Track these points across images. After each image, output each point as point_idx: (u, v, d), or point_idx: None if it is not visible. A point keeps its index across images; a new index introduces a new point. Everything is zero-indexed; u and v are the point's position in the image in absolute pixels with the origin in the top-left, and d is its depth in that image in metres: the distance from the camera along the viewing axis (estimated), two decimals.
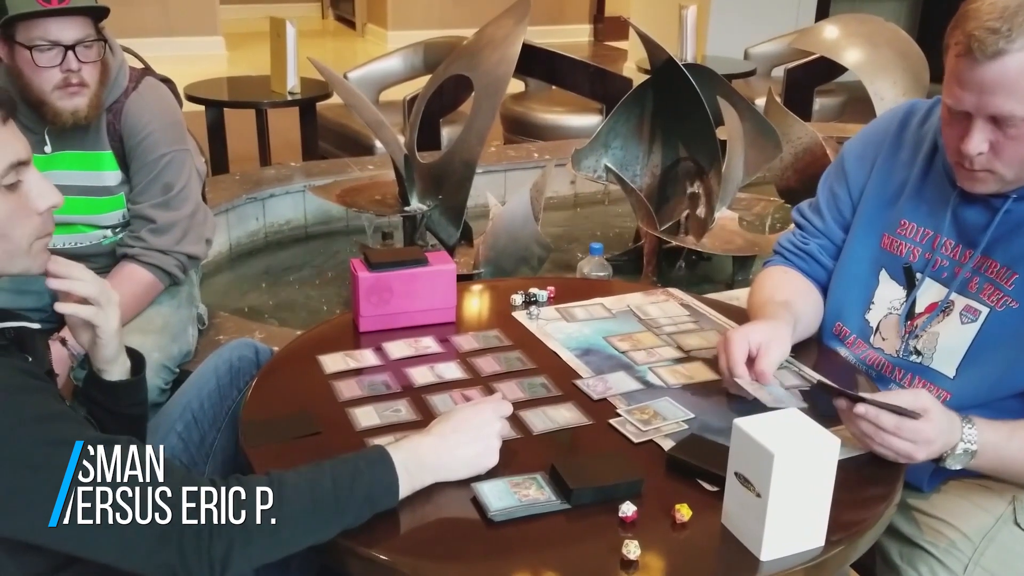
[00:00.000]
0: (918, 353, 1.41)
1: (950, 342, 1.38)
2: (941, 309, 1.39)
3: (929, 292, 1.42)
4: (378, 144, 3.84)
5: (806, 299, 1.53)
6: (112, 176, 1.95)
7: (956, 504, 1.36)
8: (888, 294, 1.46)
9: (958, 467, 1.24)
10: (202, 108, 3.92)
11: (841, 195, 1.56)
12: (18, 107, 1.11)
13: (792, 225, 1.66)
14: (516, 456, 1.18)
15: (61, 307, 1.21)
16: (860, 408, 1.18)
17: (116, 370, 1.27)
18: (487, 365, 1.43)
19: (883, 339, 1.46)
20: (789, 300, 1.49)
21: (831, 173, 1.60)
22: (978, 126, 1.25)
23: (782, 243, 1.63)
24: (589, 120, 4.37)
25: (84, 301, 1.20)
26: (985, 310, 1.35)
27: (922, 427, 1.18)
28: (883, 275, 1.48)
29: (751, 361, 1.33)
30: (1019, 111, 1.21)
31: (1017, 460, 1.26)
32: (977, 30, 1.20)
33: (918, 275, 1.43)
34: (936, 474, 1.36)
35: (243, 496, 1.01)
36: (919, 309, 1.42)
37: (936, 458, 1.23)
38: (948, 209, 1.39)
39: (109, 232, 1.99)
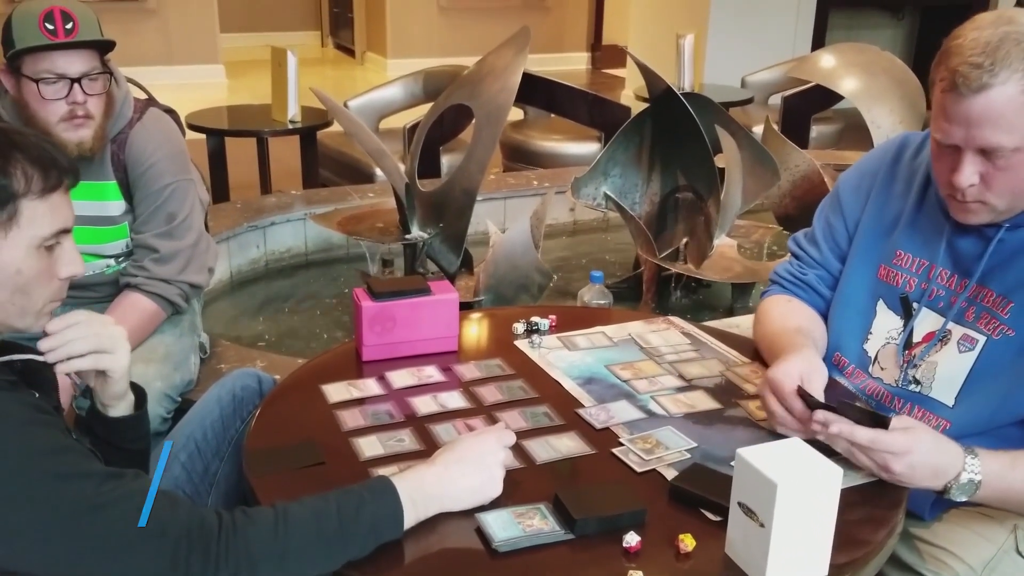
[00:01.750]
0: (917, 383, 1.42)
1: (948, 371, 1.39)
2: (939, 338, 1.40)
3: (926, 322, 1.43)
4: (378, 172, 3.86)
5: (817, 326, 1.55)
6: (116, 206, 1.96)
7: (958, 533, 1.36)
8: (886, 324, 1.48)
9: (963, 498, 1.24)
10: (203, 136, 3.94)
11: (837, 226, 1.58)
12: None
13: (789, 255, 1.68)
14: (519, 486, 1.19)
15: (63, 367, 1.18)
16: (819, 415, 1.21)
17: (121, 406, 1.27)
18: (490, 394, 1.44)
19: (882, 368, 1.47)
20: (803, 327, 1.51)
21: (827, 204, 1.62)
22: (967, 159, 1.27)
23: (780, 272, 1.65)
24: (588, 148, 4.40)
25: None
26: (982, 339, 1.36)
27: (898, 439, 1.19)
28: (880, 305, 1.49)
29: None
30: (1007, 142, 1.23)
31: (1020, 490, 1.26)
32: (961, 66, 1.22)
33: (915, 305, 1.44)
34: (937, 503, 1.37)
35: (248, 528, 1.01)
36: (916, 339, 1.43)
37: (940, 490, 1.23)
38: (943, 239, 1.41)
39: (112, 261, 2.00)
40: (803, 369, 1.33)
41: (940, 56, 1.27)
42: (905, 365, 1.43)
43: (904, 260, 1.47)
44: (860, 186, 1.56)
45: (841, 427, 1.20)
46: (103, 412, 1.27)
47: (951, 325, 1.40)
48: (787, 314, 1.56)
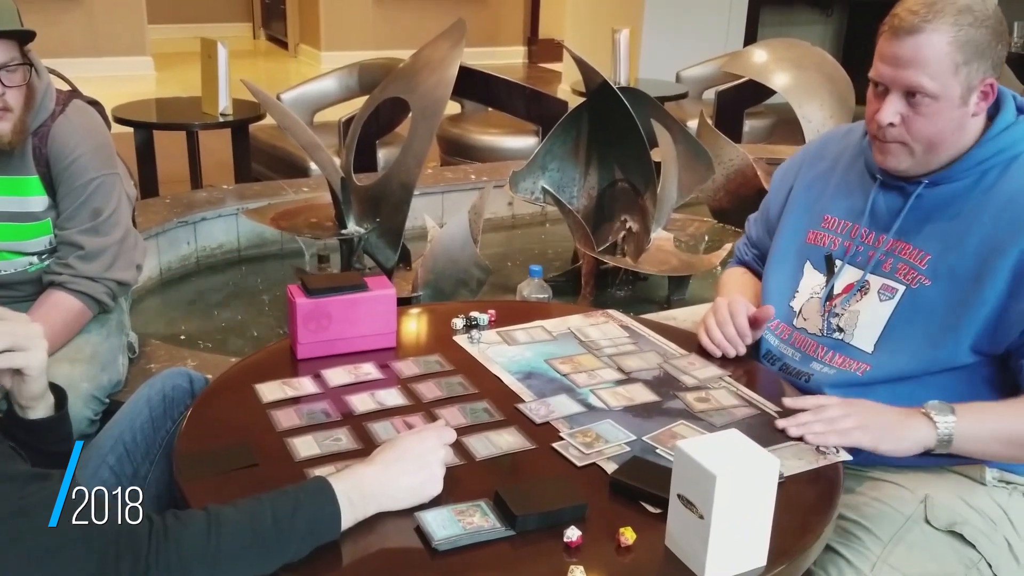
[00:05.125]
0: (840, 330, 1.52)
1: (869, 319, 1.48)
2: (858, 288, 1.50)
3: (847, 275, 1.53)
4: (313, 166, 3.81)
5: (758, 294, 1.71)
6: (38, 201, 1.89)
7: (868, 505, 1.41)
8: (811, 282, 1.59)
9: (945, 423, 1.30)
10: (130, 130, 3.84)
11: (768, 209, 1.75)
12: None
13: None
14: (460, 483, 1.18)
15: None
16: (780, 423, 1.34)
17: (40, 407, 1.22)
18: (429, 391, 1.42)
19: (805, 319, 1.58)
20: (753, 292, 1.70)
21: (769, 193, 1.78)
22: (892, 99, 1.39)
23: (737, 245, 1.87)
24: (525, 142, 4.40)
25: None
26: (901, 288, 1.45)
27: (840, 401, 1.34)
28: (807, 266, 1.60)
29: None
30: (928, 86, 1.35)
31: (991, 439, 1.34)
32: (901, 11, 1.38)
33: (838, 262, 1.54)
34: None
35: (180, 532, 0.98)
36: (837, 291, 1.53)
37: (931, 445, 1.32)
38: (868, 201, 1.52)
39: (35, 259, 1.93)
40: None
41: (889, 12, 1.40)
42: (826, 315, 1.53)
43: (831, 223, 1.58)
44: (789, 170, 1.72)
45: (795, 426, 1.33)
46: (22, 415, 1.21)
47: (870, 276, 1.50)
48: (743, 284, 1.75)
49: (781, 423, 1.34)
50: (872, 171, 1.53)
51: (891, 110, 1.39)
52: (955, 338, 1.39)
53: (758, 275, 1.75)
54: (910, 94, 1.37)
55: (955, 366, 1.40)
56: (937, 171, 1.44)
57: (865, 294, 1.49)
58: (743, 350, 1.55)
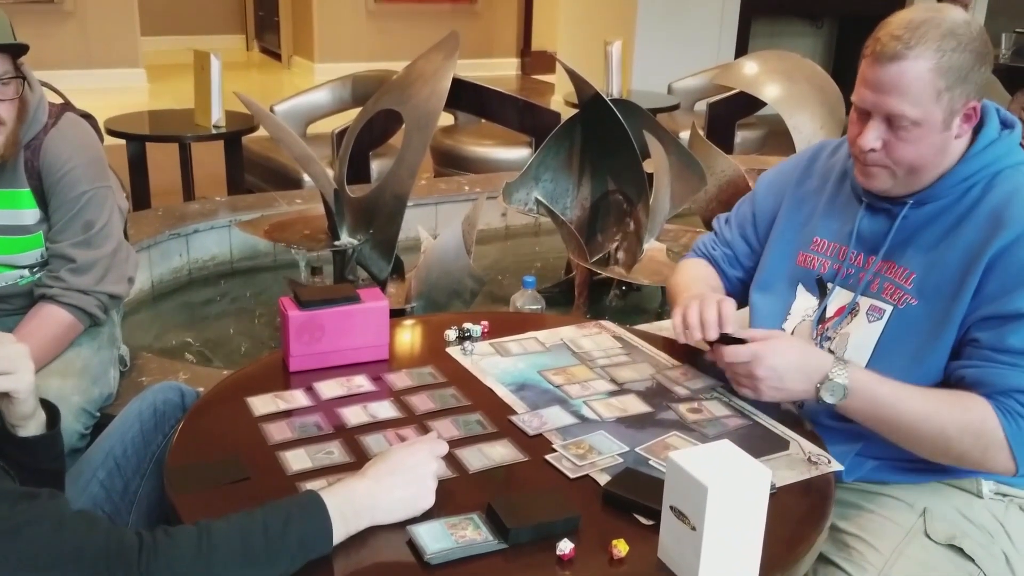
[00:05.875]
0: (832, 353, 1.47)
1: (859, 340, 1.47)
2: (849, 311, 1.49)
3: (839, 298, 1.52)
4: (306, 178, 3.81)
5: (719, 288, 1.72)
6: (30, 214, 1.89)
7: (867, 518, 1.41)
8: (803, 305, 1.57)
9: (832, 401, 1.34)
10: (123, 142, 3.83)
11: (749, 216, 1.73)
12: None
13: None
14: (452, 496, 1.17)
15: None
16: (708, 356, 1.45)
17: (32, 425, 1.21)
18: (421, 403, 1.42)
19: None
20: (713, 285, 1.70)
21: (747, 196, 1.77)
22: (874, 124, 1.38)
23: (699, 243, 1.83)
24: (518, 153, 4.41)
25: None
26: (889, 308, 1.45)
27: (752, 347, 1.36)
28: (800, 289, 1.58)
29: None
30: (910, 113, 1.33)
31: (887, 406, 1.34)
32: (883, 36, 1.35)
33: (829, 285, 1.53)
34: (855, 464, 1.44)
35: (171, 548, 0.97)
36: (829, 314, 1.52)
37: (814, 396, 1.35)
38: (855, 224, 1.51)
39: (26, 272, 1.93)
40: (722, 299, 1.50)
41: (874, 31, 1.38)
42: (819, 338, 1.52)
43: (821, 246, 1.57)
44: (775, 182, 1.70)
45: (717, 353, 1.40)
46: (13, 432, 1.21)
47: (860, 298, 1.49)
48: (700, 277, 1.73)
49: (709, 356, 1.45)
50: (858, 193, 1.51)
51: (872, 135, 1.38)
52: (940, 353, 1.39)
53: (723, 274, 1.75)
54: (892, 119, 1.35)
55: (940, 379, 1.40)
56: (920, 191, 1.43)
57: (855, 316, 1.48)
58: (712, 335, 1.46)
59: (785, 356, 1.36)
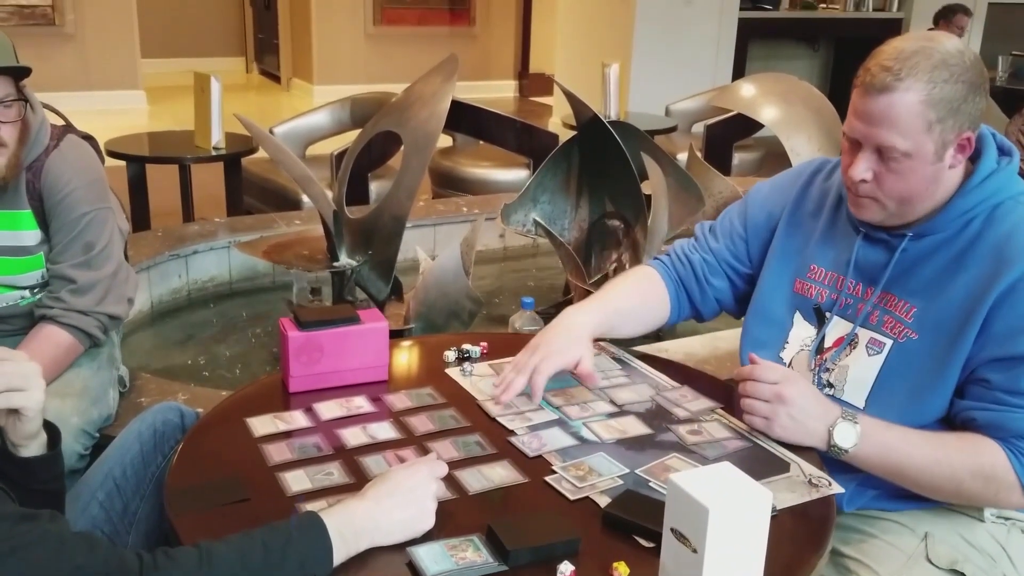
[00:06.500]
0: (831, 386, 1.48)
1: (859, 374, 1.45)
2: (848, 343, 1.47)
3: (837, 328, 1.50)
4: (305, 199, 3.82)
5: (643, 312, 1.67)
6: (31, 236, 1.89)
7: (869, 543, 1.41)
8: (801, 333, 1.55)
9: (845, 445, 1.33)
10: (123, 163, 3.84)
11: (737, 226, 1.68)
12: None
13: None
14: (452, 517, 1.17)
15: None
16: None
17: (34, 446, 1.21)
18: (421, 424, 1.42)
19: None
20: (623, 308, 1.63)
21: (734, 207, 1.73)
22: (864, 155, 1.36)
23: (674, 248, 1.75)
24: (516, 175, 4.43)
25: None
26: (889, 342, 1.43)
27: (777, 367, 1.38)
28: (797, 316, 1.56)
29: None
30: (900, 144, 1.31)
31: (899, 451, 1.33)
32: (874, 66, 1.32)
33: (827, 314, 1.51)
34: (856, 494, 1.43)
35: (171, 569, 0.97)
36: (827, 344, 1.50)
37: (825, 443, 1.35)
38: (853, 253, 1.48)
39: (27, 293, 1.93)
40: (582, 357, 1.48)
41: (865, 60, 1.37)
42: (816, 369, 1.50)
43: (817, 274, 1.54)
44: (769, 197, 1.65)
45: (741, 373, 1.40)
46: (14, 452, 1.21)
47: (859, 330, 1.47)
48: (633, 290, 1.68)
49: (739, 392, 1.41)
50: (854, 221, 1.49)
51: (863, 166, 1.36)
52: (941, 390, 1.37)
53: (679, 274, 1.69)
54: (882, 151, 1.33)
55: (940, 417, 1.39)
56: (917, 223, 1.41)
57: (854, 348, 1.46)
58: (505, 399, 1.44)
59: (809, 387, 1.37)
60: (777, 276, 1.59)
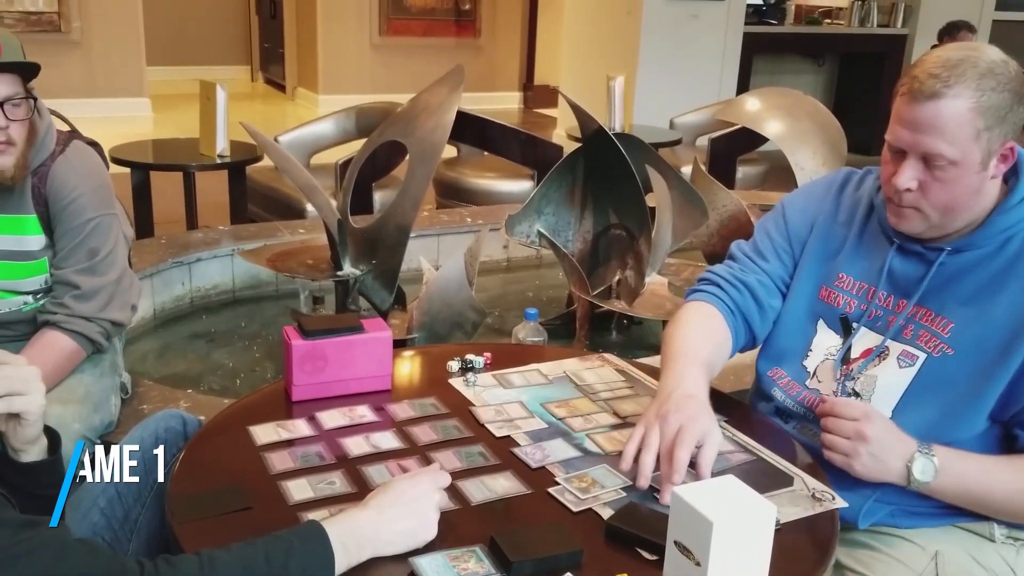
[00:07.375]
0: (857, 395, 1.46)
1: (888, 384, 1.43)
2: (877, 354, 1.45)
3: (864, 339, 1.48)
4: (309, 207, 3.82)
5: (722, 352, 1.53)
6: (35, 240, 1.89)
7: (878, 560, 1.40)
8: (825, 342, 1.52)
9: (925, 479, 1.31)
10: (127, 170, 3.85)
11: (780, 241, 1.61)
12: None
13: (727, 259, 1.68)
14: (455, 528, 1.16)
15: None
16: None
17: (34, 451, 1.21)
18: (424, 434, 1.42)
19: (819, 381, 1.51)
20: (719, 343, 1.52)
21: (769, 222, 1.65)
22: (910, 163, 1.34)
23: (717, 272, 1.62)
24: (521, 186, 4.43)
25: None
26: (923, 355, 1.41)
27: (860, 404, 1.35)
28: (820, 324, 1.54)
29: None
30: (947, 152, 1.30)
31: (977, 479, 1.33)
32: (921, 74, 1.31)
33: (854, 324, 1.49)
34: (871, 510, 1.41)
35: None
36: (854, 355, 1.48)
37: (906, 476, 1.32)
38: (885, 264, 1.47)
39: (30, 298, 1.93)
40: (701, 434, 1.27)
41: (908, 69, 1.36)
42: (842, 378, 1.48)
43: (845, 283, 1.52)
44: (807, 207, 1.61)
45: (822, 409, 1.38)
46: (14, 457, 1.20)
47: (889, 342, 1.45)
48: (704, 333, 1.53)
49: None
50: (887, 232, 1.47)
51: (908, 175, 1.34)
52: (978, 408, 1.36)
53: (738, 303, 1.56)
54: (928, 159, 1.32)
55: (975, 434, 1.38)
56: (955, 236, 1.40)
57: (884, 359, 1.45)
58: (676, 480, 1.22)
59: (887, 424, 1.34)
60: (804, 284, 1.57)
